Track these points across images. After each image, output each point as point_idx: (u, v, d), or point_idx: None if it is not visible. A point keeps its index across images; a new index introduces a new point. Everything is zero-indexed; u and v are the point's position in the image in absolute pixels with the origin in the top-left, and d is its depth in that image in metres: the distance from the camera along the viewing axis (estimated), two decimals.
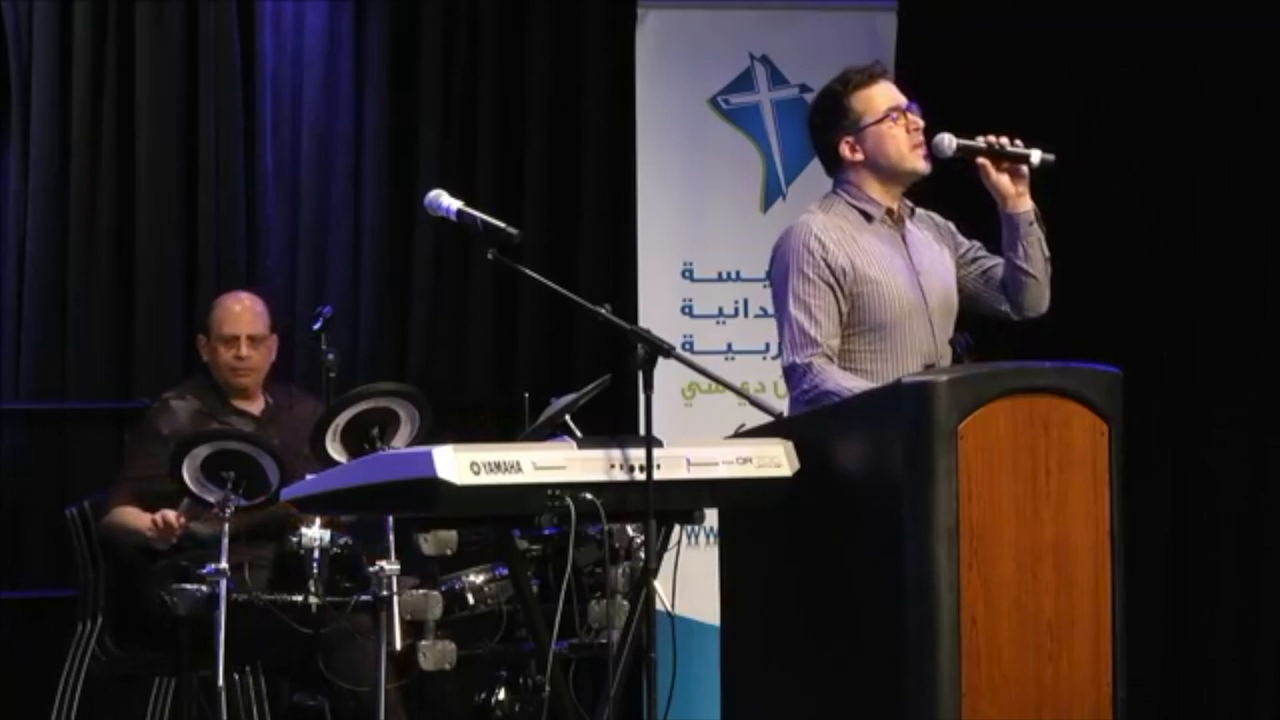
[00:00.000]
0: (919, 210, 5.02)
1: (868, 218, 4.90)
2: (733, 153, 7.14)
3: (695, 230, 7.13)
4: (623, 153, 7.16)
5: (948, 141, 4.85)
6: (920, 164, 4.88)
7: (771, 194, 7.16)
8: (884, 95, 4.91)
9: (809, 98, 7.07)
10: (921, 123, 4.89)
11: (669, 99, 7.12)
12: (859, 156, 4.90)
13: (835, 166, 4.95)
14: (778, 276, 4.86)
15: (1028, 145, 4.88)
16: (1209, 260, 7.53)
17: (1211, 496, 7.52)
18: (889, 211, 4.92)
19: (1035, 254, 4.91)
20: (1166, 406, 7.46)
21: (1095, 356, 4.71)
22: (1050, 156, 4.86)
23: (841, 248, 4.83)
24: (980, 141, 4.87)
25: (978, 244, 5.04)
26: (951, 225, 5.06)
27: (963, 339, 4.91)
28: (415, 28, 7.25)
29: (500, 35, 7.29)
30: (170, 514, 5.87)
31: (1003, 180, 4.88)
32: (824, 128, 4.95)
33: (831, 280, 4.80)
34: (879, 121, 4.87)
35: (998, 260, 4.98)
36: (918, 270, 4.90)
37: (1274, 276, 7.52)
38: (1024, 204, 4.89)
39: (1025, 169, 4.87)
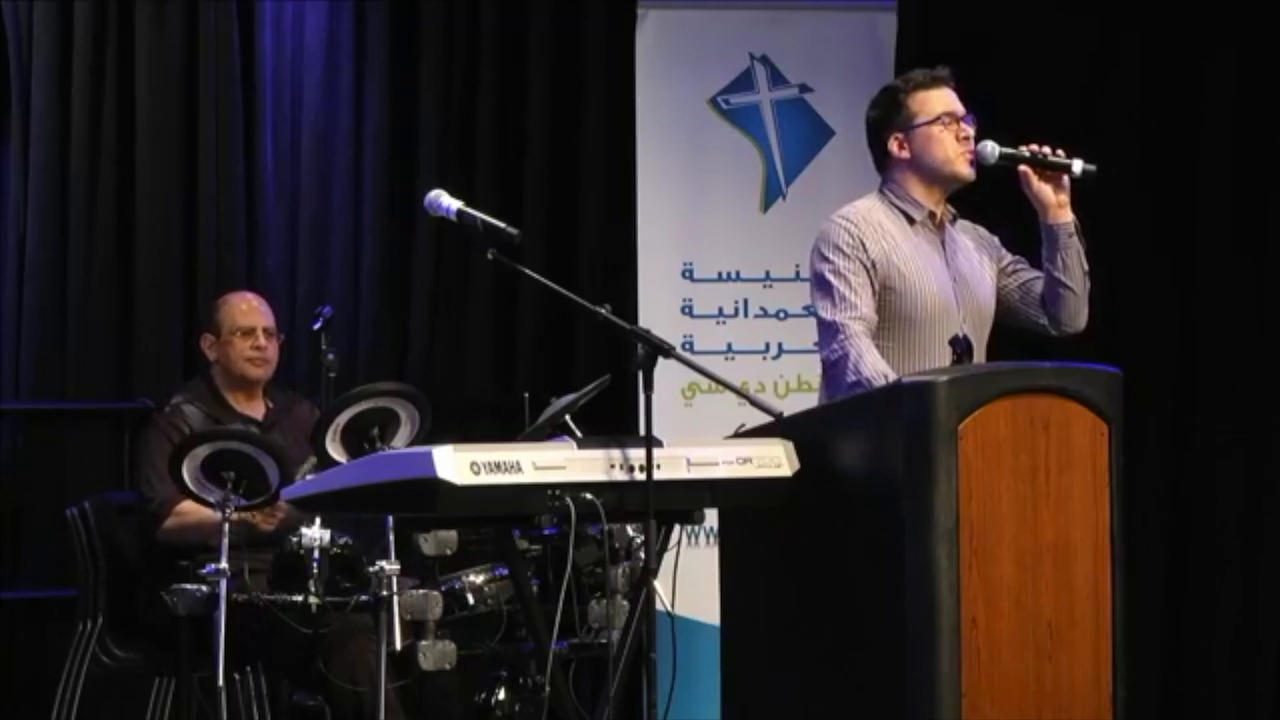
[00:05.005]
0: (962, 220, 5.06)
1: (909, 219, 4.95)
2: (733, 153, 7.14)
3: (695, 230, 7.13)
4: (623, 153, 7.16)
5: (990, 149, 4.91)
6: (965, 170, 4.93)
7: (771, 194, 7.16)
8: (941, 99, 4.96)
9: (809, 98, 7.13)
10: (972, 132, 4.93)
11: (669, 99, 7.12)
12: (906, 155, 4.95)
13: (883, 164, 5.01)
14: (816, 254, 4.91)
15: (1069, 156, 4.89)
16: (1209, 260, 7.53)
17: (1211, 496, 7.52)
18: (931, 215, 4.96)
19: (1074, 266, 4.95)
20: (1166, 406, 7.46)
21: (1095, 356, 4.72)
22: (1092, 167, 4.88)
23: (878, 242, 4.89)
24: (1023, 150, 4.91)
25: (1020, 258, 5.08)
26: (995, 239, 5.11)
27: (962, 339, 4.91)
28: (415, 28, 7.24)
29: (500, 35, 7.29)
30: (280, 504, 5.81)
31: (1044, 190, 4.92)
32: (878, 123, 5.00)
33: (867, 261, 4.85)
34: (930, 123, 4.92)
35: (1037, 274, 5.03)
36: (954, 275, 4.95)
37: (1274, 277, 7.52)
38: (1064, 215, 4.93)
39: (1066, 179, 4.90)
